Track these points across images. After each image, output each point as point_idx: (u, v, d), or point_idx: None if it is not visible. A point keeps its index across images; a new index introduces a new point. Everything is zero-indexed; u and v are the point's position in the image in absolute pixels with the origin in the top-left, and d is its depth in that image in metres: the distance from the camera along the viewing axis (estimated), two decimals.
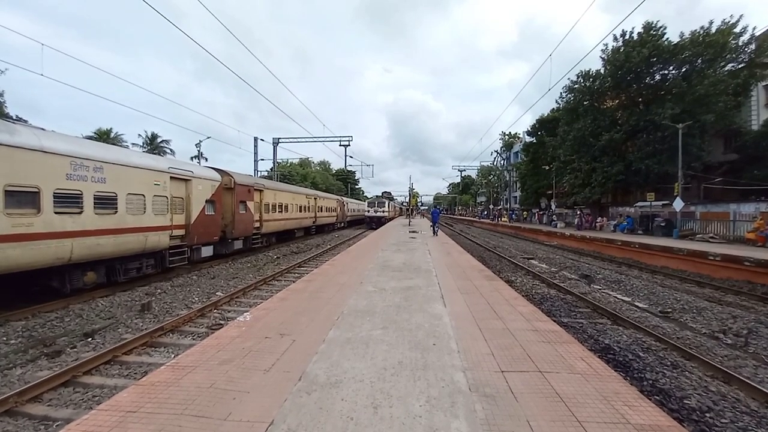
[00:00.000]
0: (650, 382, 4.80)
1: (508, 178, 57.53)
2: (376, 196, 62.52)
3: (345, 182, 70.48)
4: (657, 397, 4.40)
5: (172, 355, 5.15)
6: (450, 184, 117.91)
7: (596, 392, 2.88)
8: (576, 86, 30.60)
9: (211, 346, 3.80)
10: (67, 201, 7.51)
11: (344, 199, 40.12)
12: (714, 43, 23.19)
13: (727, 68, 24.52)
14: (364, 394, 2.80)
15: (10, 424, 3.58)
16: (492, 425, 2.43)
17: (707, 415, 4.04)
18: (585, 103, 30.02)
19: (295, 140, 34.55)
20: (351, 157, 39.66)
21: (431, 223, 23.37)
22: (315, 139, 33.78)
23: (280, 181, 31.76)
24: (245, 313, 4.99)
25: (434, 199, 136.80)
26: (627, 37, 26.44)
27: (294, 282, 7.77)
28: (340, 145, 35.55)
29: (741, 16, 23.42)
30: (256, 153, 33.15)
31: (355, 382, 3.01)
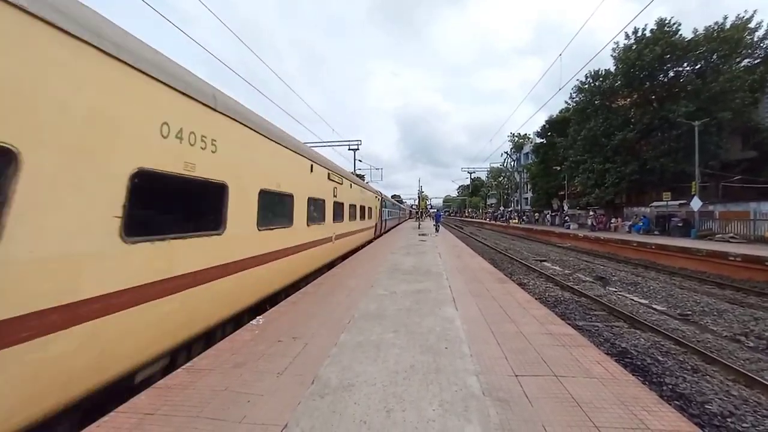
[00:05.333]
0: (670, 386, 4.68)
1: (518, 180, 56.93)
2: None
3: None
4: (677, 402, 4.29)
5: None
6: (460, 186, 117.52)
7: (614, 397, 2.82)
8: (585, 86, 30.25)
9: (226, 349, 3.85)
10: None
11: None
12: (728, 39, 22.70)
13: (742, 64, 23.97)
14: (377, 398, 2.80)
15: None
16: (506, 430, 2.40)
17: (729, 420, 3.93)
18: (596, 102, 29.64)
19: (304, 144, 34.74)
20: (360, 160, 39.56)
21: (434, 222, 29.52)
22: (324, 144, 33.99)
23: None
24: (258, 317, 5.03)
25: (444, 201, 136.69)
26: (639, 34, 26.04)
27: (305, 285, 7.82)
28: (349, 149, 35.66)
29: (755, 11, 22.90)
30: None
31: (367, 385, 3.00)
